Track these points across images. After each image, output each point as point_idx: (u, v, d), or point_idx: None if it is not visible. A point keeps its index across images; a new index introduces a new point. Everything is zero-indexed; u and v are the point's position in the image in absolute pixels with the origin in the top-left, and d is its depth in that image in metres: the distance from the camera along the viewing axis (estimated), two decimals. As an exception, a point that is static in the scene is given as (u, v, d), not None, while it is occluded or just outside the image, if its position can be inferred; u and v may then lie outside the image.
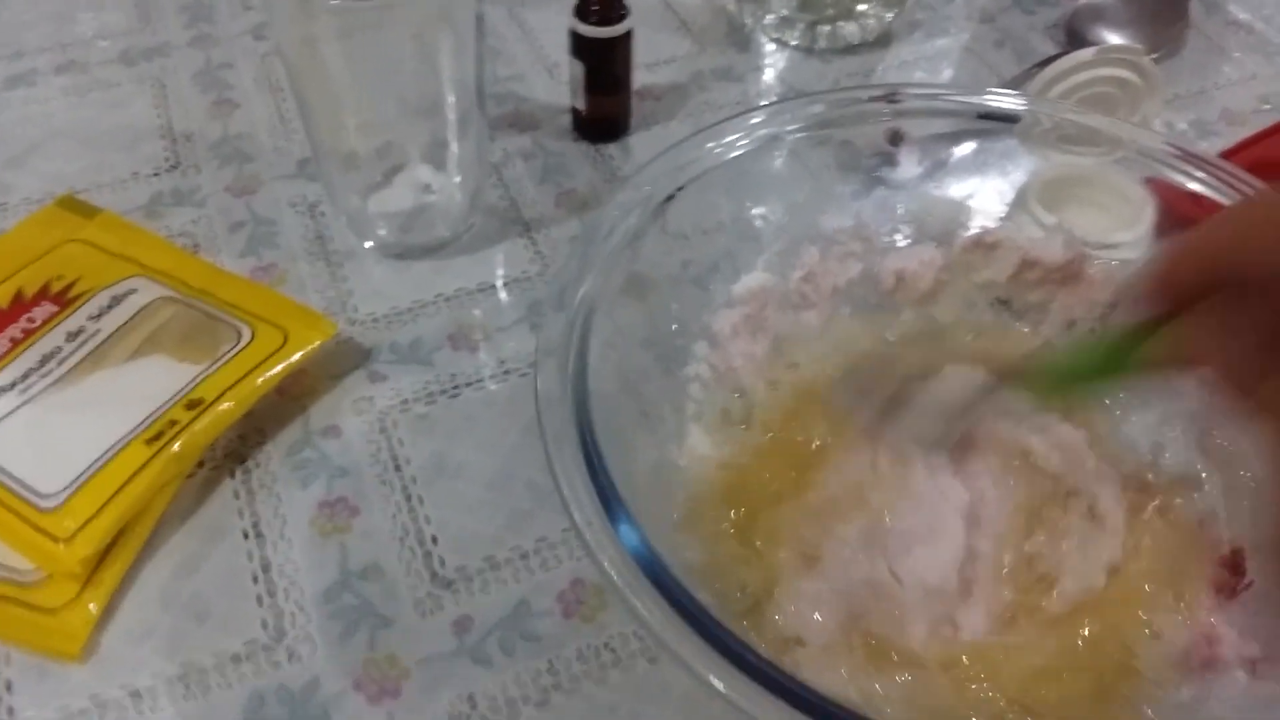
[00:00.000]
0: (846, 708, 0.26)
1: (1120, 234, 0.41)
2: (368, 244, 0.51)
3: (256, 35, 0.64)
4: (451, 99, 0.46)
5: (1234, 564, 0.35)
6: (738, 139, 0.40)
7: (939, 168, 0.44)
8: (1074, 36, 0.64)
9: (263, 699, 0.37)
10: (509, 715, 0.36)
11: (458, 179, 0.50)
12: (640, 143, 0.57)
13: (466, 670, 0.37)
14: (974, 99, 0.42)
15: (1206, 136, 0.58)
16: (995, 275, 0.42)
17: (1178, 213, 0.41)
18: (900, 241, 0.43)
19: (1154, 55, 0.62)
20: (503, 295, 0.50)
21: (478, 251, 0.51)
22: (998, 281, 0.42)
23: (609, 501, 0.30)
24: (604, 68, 0.54)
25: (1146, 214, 0.41)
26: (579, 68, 0.54)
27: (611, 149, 0.57)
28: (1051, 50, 0.64)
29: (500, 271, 0.51)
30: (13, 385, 0.42)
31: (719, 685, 0.26)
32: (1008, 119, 0.42)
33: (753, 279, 0.41)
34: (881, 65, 0.63)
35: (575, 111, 0.57)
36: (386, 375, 0.46)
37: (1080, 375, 0.32)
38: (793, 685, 0.26)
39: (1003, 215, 0.43)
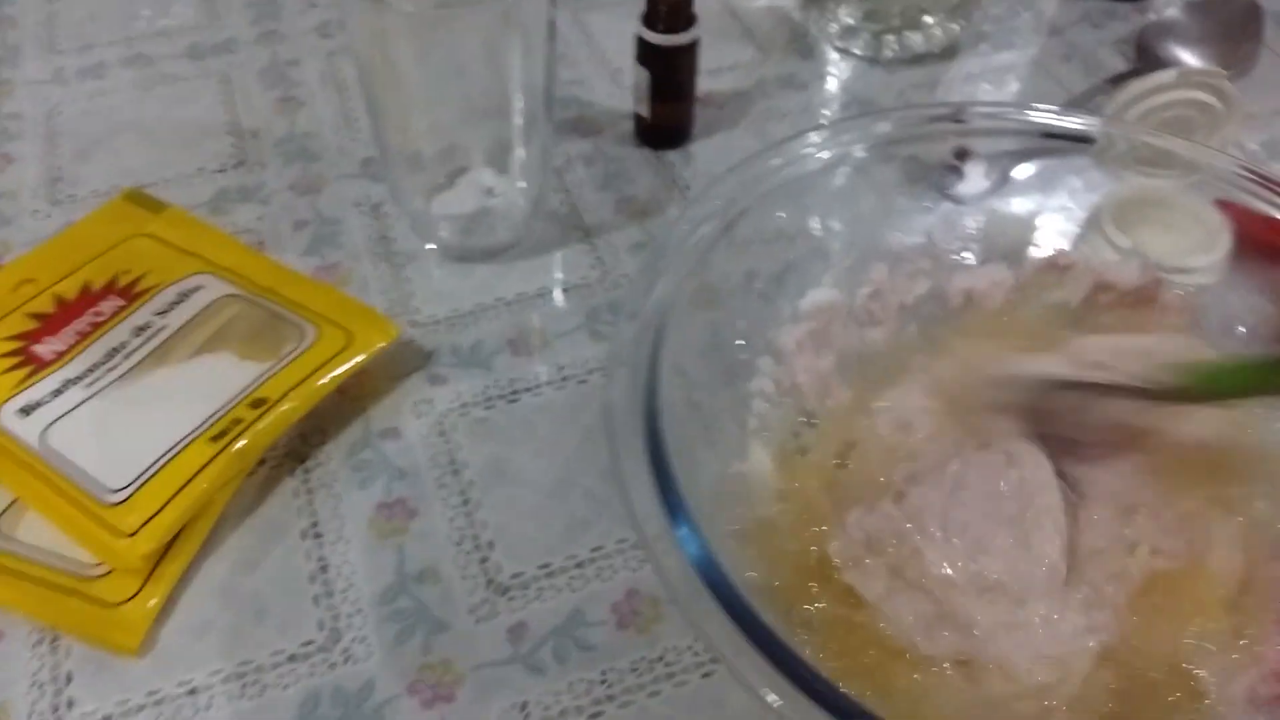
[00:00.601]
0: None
1: (1196, 258, 0.40)
2: (430, 246, 0.51)
3: (322, 33, 0.64)
4: (518, 103, 0.46)
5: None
6: (807, 155, 0.40)
7: (1007, 184, 0.44)
8: (1144, 52, 0.63)
9: (318, 700, 0.37)
10: (562, 725, 0.36)
11: (521, 183, 0.50)
12: (702, 150, 0.57)
13: (520, 678, 0.37)
14: (1037, 118, 0.42)
15: (1278, 157, 0.57)
16: (1068, 297, 0.41)
17: (1253, 237, 0.40)
18: (968, 260, 0.43)
19: (1226, 74, 0.61)
20: (561, 301, 0.50)
21: (538, 256, 0.51)
22: (1070, 303, 0.41)
23: (676, 514, 0.29)
24: (669, 75, 0.54)
25: (1222, 238, 0.40)
26: (644, 75, 0.54)
27: (673, 156, 0.57)
28: (1120, 66, 0.63)
29: (559, 276, 0.51)
30: (79, 378, 0.42)
31: (773, 701, 0.26)
32: (1082, 139, 0.41)
33: (819, 295, 0.40)
34: (947, 77, 0.63)
35: (638, 118, 0.57)
36: (446, 378, 0.46)
37: (1233, 390, 0.32)
38: (847, 704, 0.26)
39: (1076, 236, 0.42)
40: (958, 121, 0.42)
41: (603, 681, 0.37)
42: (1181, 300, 0.40)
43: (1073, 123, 0.41)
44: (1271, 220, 0.39)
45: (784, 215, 0.40)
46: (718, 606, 0.28)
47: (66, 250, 0.48)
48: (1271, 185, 0.39)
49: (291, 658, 0.38)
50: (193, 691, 0.37)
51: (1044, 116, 0.42)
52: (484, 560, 0.40)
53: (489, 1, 0.42)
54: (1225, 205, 0.40)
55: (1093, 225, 0.43)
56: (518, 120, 0.47)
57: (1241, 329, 0.40)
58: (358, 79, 0.51)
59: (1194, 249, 0.41)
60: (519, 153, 0.49)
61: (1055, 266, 0.41)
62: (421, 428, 0.44)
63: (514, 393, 0.46)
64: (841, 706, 0.26)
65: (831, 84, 0.63)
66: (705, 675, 0.37)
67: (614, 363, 0.32)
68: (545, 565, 0.40)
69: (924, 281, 0.42)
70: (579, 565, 0.40)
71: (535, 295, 0.50)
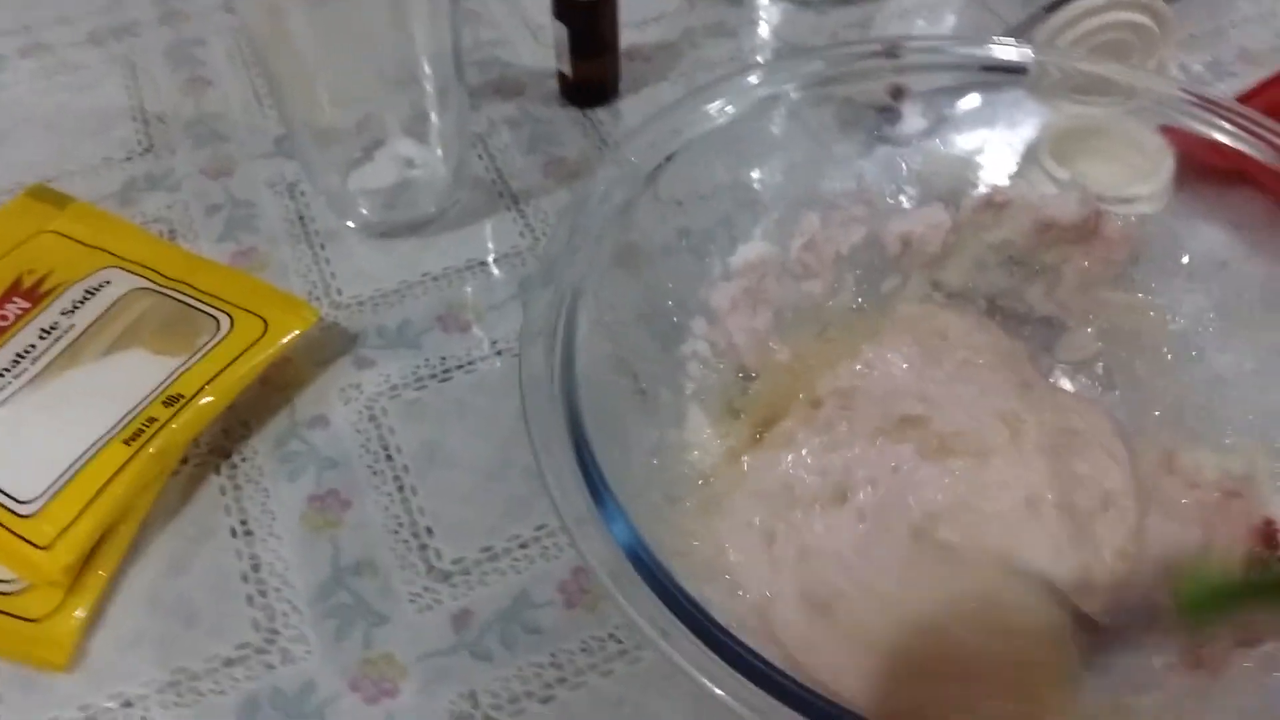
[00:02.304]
0: (850, 710, 0.24)
1: (1138, 187, 0.39)
2: (350, 223, 0.49)
3: (228, 9, 0.62)
4: (428, 69, 0.44)
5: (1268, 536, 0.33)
6: (732, 100, 0.38)
7: (944, 123, 0.42)
8: (1080, -23, 0.61)
9: (257, 704, 0.35)
10: (512, 712, 0.35)
11: (440, 152, 0.48)
12: (630, 106, 0.55)
13: (467, 666, 0.36)
14: (978, 50, 0.40)
15: (1223, 78, 0.56)
16: (1008, 236, 0.40)
17: (1197, 162, 0.39)
18: (905, 203, 0.41)
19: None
20: (493, 271, 0.48)
21: (465, 227, 0.50)
22: (1011, 242, 0.40)
23: (599, 494, 0.28)
24: (589, 30, 0.52)
25: (1165, 165, 0.39)
26: (563, 30, 0.52)
27: (601, 114, 0.55)
28: (1056, -7, 0.61)
29: (489, 247, 0.49)
30: (-15, 386, 0.40)
31: (712, 687, 0.25)
32: (1015, 70, 0.40)
33: (751, 249, 0.39)
34: (880, 15, 0.61)
35: (561, 76, 0.55)
36: (374, 360, 0.44)
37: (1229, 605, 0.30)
38: (790, 684, 0.25)
39: (1013, 171, 0.41)
40: (892, 57, 0.41)
41: (553, 664, 0.36)
42: (1123, 231, 0.39)
43: (1006, 53, 0.40)
44: (1215, 143, 0.37)
45: (711, 165, 0.39)
46: (649, 592, 0.26)
47: (-34, 253, 0.46)
48: (1213, 107, 0.37)
49: (227, 662, 0.36)
50: (127, 704, 0.36)
51: (977, 48, 0.41)
52: (423, 547, 0.39)
53: (380, -37, 0.39)
54: (1168, 130, 0.39)
55: (1030, 159, 0.41)
56: (429, 87, 0.45)
57: (1185, 258, 0.39)
58: (256, 57, 0.49)
59: (1135, 177, 0.40)
60: (435, 120, 0.47)
61: (992, 205, 0.40)
62: (350, 414, 0.43)
63: (446, 371, 0.44)
64: (785, 690, 0.25)
65: (762, 30, 0.61)
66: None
67: (528, 336, 0.30)
68: (487, 548, 0.39)
69: (859, 229, 0.40)
70: (523, 546, 0.39)
71: (464, 268, 0.48)
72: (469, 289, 0.47)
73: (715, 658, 0.25)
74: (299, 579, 0.38)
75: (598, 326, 0.33)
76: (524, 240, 0.49)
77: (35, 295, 0.43)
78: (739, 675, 0.25)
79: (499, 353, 0.45)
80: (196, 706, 0.35)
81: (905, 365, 0.39)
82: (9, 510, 0.37)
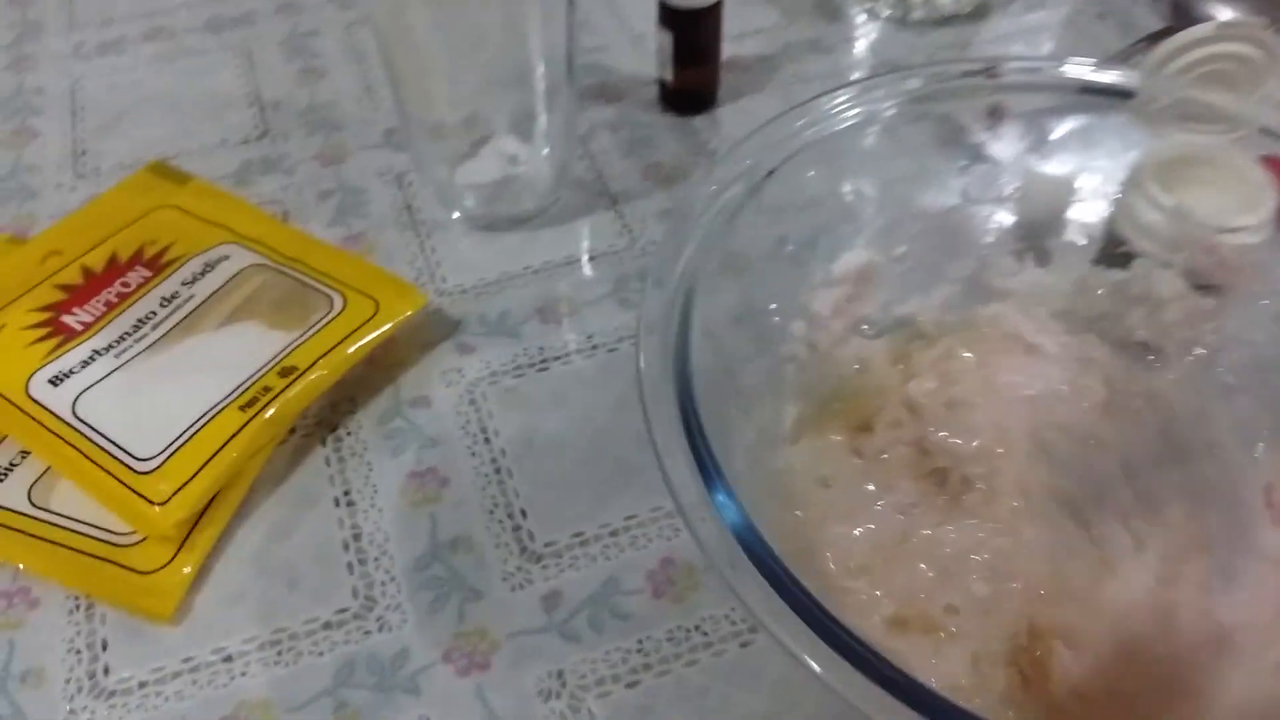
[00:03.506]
0: (947, 699, 0.25)
1: (1242, 217, 0.39)
2: (455, 215, 0.51)
3: (341, 4, 0.64)
4: (540, 70, 0.46)
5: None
6: (833, 114, 0.39)
7: (1045, 144, 0.43)
8: (1179, 9, 0.61)
9: (353, 667, 0.37)
10: (599, 694, 0.36)
11: (545, 151, 0.50)
12: (728, 115, 0.56)
13: (556, 646, 0.37)
14: (1079, 73, 0.41)
15: (1324, 112, 0.56)
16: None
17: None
18: (1003, 222, 0.42)
19: (1273, 27, 0.59)
20: (589, 269, 0.49)
21: (564, 224, 0.51)
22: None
23: (712, 481, 0.29)
24: (693, 39, 0.53)
25: (1269, 196, 0.39)
26: (667, 39, 0.53)
27: (698, 122, 0.56)
28: (1156, 24, 0.61)
29: (586, 244, 0.50)
30: (108, 349, 0.42)
31: (815, 667, 0.25)
32: (1120, 94, 0.40)
33: (853, 257, 0.40)
34: (977, 38, 0.61)
35: (662, 83, 0.56)
36: (475, 347, 0.46)
37: None
38: (891, 671, 0.25)
39: (1116, 195, 0.41)
40: (991, 76, 0.41)
41: (639, 650, 0.37)
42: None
43: (1111, 77, 0.40)
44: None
45: (812, 177, 0.39)
46: (757, 574, 0.27)
47: (92, 222, 0.48)
48: (1317, 140, 0.38)
49: (326, 625, 0.38)
50: (228, 659, 0.37)
51: (1081, 71, 0.41)
52: (517, 529, 0.40)
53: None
54: (1270, 161, 0.39)
55: (1134, 184, 0.42)
56: (540, 87, 0.46)
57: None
58: (377, 49, 0.51)
59: (1239, 208, 0.40)
60: (542, 120, 0.48)
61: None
62: (451, 396, 0.44)
63: (543, 361, 0.45)
64: (883, 673, 0.25)
65: (859, 47, 0.62)
66: (743, 645, 0.37)
67: (644, 331, 0.32)
68: (579, 534, 0.40)
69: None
70: (613, 534, 0.40)
71: (562, 263, 0.49)
72: (566, 284, 0.48)
73: (819, 640, 0.26)
74: (398, 550, 0.40)
75: (705, 326, 0.34)
76: (621, 240, 0.50)
77: (157, 265, 0.46)
78: (844, 659, 0.25)
79: (594, 347, 0.46)
80: (294, 666, 0.37)
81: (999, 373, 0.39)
82: (127, 466, 0.39)
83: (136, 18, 0.63)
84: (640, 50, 0.60)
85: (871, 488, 0.36)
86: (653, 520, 0.40)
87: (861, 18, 0.63)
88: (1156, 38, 0.55)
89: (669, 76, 0.55)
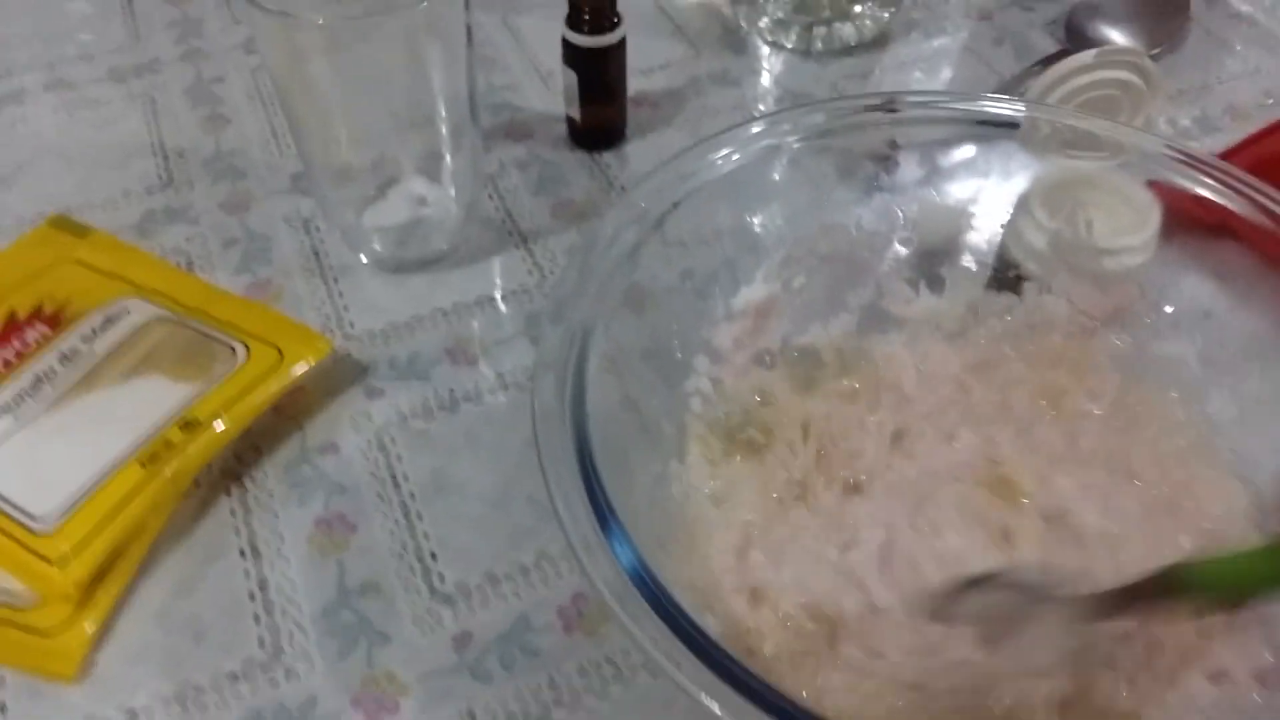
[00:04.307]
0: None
1: (1126, 238, 0.41)
2: (363, 258, 0.51)
3: (248, 49, 0.63)
4: (443, 111, 0.46)
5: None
6: (737, 149, 0.40)
7: (938, 173, 0.44)
8: (1074, 33, 0.63)
9: (260, 718, 0.36)
10: (511, 733, 0.36)
11: (452, 191, 0.50)
12: (637, 151, 0.57)
13: (466, 686, 0.37)
14: (972, 106, 0.42)
15: (1211, 132, 0.58)
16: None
17: (1183, 215, 0.40)
18: (900, 249, 0.43)
19: (1155, 51, 0.61)
20: (501, 308, 0.49)
21: (474, 264, 0.51)
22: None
23: (606, 521, 0.29)
24: (598, 77, 0.54)
25: (1152, 217, 0.41)
26: (572, 77, 0.54)
27: (608, 157, 0.57)
28: (1051, 47, 0.63)
29: (498, 283, 0.50)
30: (6, 409, 0.41)
31: (715, 708, 0.26)
32: (1007, 125, 0.41)
33: (753, 291, 0.40)
34: (879, 66, 0.63)
35: (570, 120, 0.56)
36: (384, 391, 0.46)
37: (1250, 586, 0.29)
38: (791, 707, 0.26)
39: (1005, 221, 0.42)
40: (890, 111, 0.42)
41: (550, 685, 0.37)
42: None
43: (998, 108, 0.42)
44: (1199, 198, 0.39)
45: (715, 211, 0.40)
46: (654, 614, 0.27)
47: (-10, 279, 0.47)
48: (1196, 163, 0.39)
49: (232, 676, 0.37)
50: (133, 715, 0.36)
51: (970, 104, 0.42)
52: (427, 571, 0.40)
53: (400, 11, 0.41)
54: (1155, 185, 0.40)
55: (1022, 209, 0.43)
56: (444, 128, 0.47)
57: (1169, 308, 0.40)
58: (277, 97, 0.51)
59: (1124, 229, 0.42)
60: (448, 160, 0.48)
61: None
62: (360, 441, 0.44)
63: (453, 402, 0.45)
64: (784, 710, 0.26)
65: (765, 79, 0.63)
66: (654, 675, 0.37)
67: (540, 368, 0.32)
68: (489, 573, 0.40)
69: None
70: (524, 572, 0.40)
71: (473, 303, 0.49)
72: (477, 324, 0.48)
73: (715, 678, 0.26)
74: (305, 599, 0.39)
75: (606, 362, 0.34)
76: (531, 278, 0.50)
77: (56, 321, 0.45)
78: (740, 695, 0.26)
79: (505, 386, 0.46)
80: (201, 719, 0.36)
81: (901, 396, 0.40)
82: (24, 527, 0.39)
83: (37, 68, 0.62)
84: (549, 88, 0.60)
85: (774, 511, 0.37)
86: (564, 557, 0.40)
87: (766, 50, 0.64)
88: (1049, 62, 0.57)
89: (576, 114, 0.55)
